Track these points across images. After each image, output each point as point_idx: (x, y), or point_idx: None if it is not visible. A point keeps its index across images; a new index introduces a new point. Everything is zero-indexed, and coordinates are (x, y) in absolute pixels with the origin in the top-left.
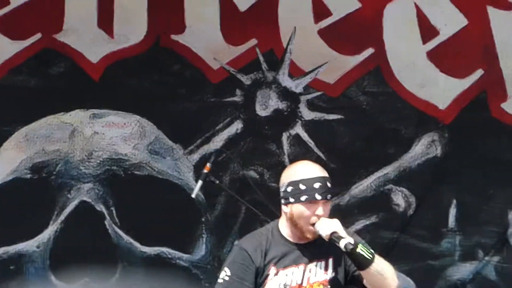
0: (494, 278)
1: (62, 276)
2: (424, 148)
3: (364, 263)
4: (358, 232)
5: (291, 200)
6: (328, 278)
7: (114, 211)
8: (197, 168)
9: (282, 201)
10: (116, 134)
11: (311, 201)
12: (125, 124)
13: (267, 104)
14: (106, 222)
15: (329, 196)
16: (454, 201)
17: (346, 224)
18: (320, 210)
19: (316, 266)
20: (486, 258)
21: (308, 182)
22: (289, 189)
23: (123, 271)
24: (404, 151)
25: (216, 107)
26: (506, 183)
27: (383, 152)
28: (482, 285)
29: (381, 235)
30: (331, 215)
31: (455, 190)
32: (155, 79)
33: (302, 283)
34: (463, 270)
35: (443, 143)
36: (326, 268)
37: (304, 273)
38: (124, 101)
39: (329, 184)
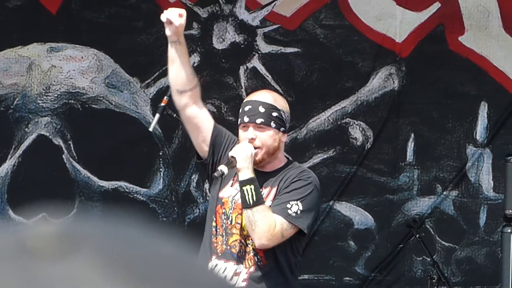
0: (452, 212)
1: (19, 210)
2: (381, 81)
3: (243, 203)
4: (316, 166)
5: (239, 122)
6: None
7: (71, 145)
8: (154, 102)
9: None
10: (74, 68)
11: (243, 124)
12: (82, 57)
13: (224, 37)
14: (63, 156)
15: (259, 120)
16: (412, 135)
17: (304, 158)
18: (249, 133)
19: (263, 192)
20: (444, 192)
21: (243, 105)
22: (240, 110)
23: (81, 205)
24: (361, 84)
25: None
26: (464, 116)
27: (340, 86)
28: (440, 219)
29: (339, 169)
30: (289, 149)
31: (413, 123)
32: (112, 12)
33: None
34: (421, 205)
35: (400, 76)
36: (266, 197)
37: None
38: (81, 35)
39: (262, 109)
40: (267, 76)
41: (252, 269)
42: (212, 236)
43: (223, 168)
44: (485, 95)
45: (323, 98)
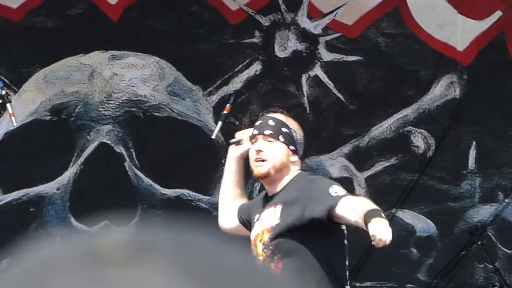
0: None
1: (81, 218)
2: (443, 89)
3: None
4: (378, 174)
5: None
6: (273, 225)
7: (133, 153)
8: (217, 110)
9: None
10: (135, 76)
11: (253, 139)
12: (144, 65)
13: (286, 46)
14: (125, 164)
15: (267, 131)
16: (474, 143)
17: (366, 166)
18: (258, 145)
19: (266, 214)
20: (506, 200)
21: (255, 123)
22: None
23: (143, 213)
24: (423, 92)
25: (235, 48)
26: None
27: (402, 94)
28: (502, 227)
29: (401, 177)
30: (352, 157)
31: (475, 131)
32: (174, 20)
33: (258, 232)
34: (483, 212)
35: (461, 84)
36: (274, 215)
37: (260, 222)
38: (143, 42)
39: (272, 123)
40: (329, 84)
41: None
42: None
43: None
44: None
45: (385, 106)
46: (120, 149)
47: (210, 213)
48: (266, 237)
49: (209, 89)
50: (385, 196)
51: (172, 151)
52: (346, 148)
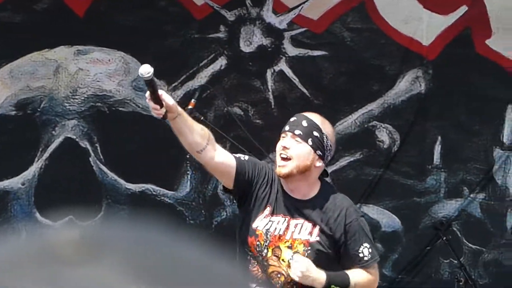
0: (479, 215)
1: (47, 213)
2: (408, 84)
3: None
4: (343, 169)
5: None
6: (310, 240)
7: (98, 148)
8: (182, 105)
9: None
10: (101, 71)
11: (283, 133)
12: (109, 60)
13: (251, 40)
14: (90, 159)
15: (297, 131)
16: (439, 138)
17: (331, 161)
18: (285, 141)
19: (302, 224)
20: (471, 195)
21: (289, 118)
22: None
23: (108, 208)
24: (388, 87)
25: (200, 43)
26: (490, 119)
27: (367, 89)
28: (467, 222)
29: (366, 171)
30: None
31: (440, 126)
32: (140, 15)
33: (284, 234)
34: (448, 207)
35: (427, 79)
36: (311, 232)
37: (288, 226)
38: (108, 37)
39: (305, 124)
40: (294, 79)
41: None
42: (250, 265)
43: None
44: None
45: (350, 101)
46: (85, 144)
47: (175, 208)
48: (301, 249)
49: (174, 84)
50: (350, 191)
51: (137, 146)
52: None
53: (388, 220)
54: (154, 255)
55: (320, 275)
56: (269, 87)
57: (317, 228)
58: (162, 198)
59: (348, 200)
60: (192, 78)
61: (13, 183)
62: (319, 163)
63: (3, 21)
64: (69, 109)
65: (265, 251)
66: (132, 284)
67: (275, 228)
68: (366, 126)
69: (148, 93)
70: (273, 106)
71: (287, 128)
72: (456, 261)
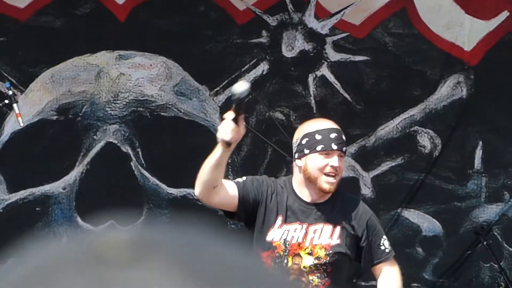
0: None
1: (87, 217)
2: (449, 89)
3: None
4: (384, 174)
5: (306, 151)
6: (331, 244)
7: (140, 152)
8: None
9: (296, 155)
10: (142, 76)
11: (327, 151)
12: (151, 65)
13: (293, 45)
14: (132, 164)
15: (344, 148)
16: (480, 143)
17: (372, 166)
18: (335, 161)
19: (321, 229)
20: None
21: (324, 132)
22: (304, 141)
23: (149, 213)
24: (429, 92)
25: (242, 48)
26: None
27: (409, 94)
28: (508, 226)
29: (407, 176)
30: (358, 156)
31: (481, 131)
32: (181, 20)
33: (303, 242)
34: (488, 212)
35: (468, 84)
36: (331, 234)
37: (307, 232)
38: (150, 42)
39: (344, 138)
40: (336, 84)
41: None
42: None
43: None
44: None
45: (391, 106)
46: (126, 148)
47: (216, 212)
48: (322, 253)
49: (216, 89)
50: (391, 195)
51: (178, 150)
52: (353, 148)
53: (429, 224)
54: (200, 260)
55: None
56: (311, 92)
57: (338, 229)
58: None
59: (353, 195)
60: (233, 83)
61: (54, 187)
62: None
63: (45, 26)
64: (110, 113)
65: (285, 261)
66: (179, 285)
67: (293, 236)
68: (407, 131)
69: (232, 112)
70: (314, 111)
71: (335, 147)
72: (496, 265)
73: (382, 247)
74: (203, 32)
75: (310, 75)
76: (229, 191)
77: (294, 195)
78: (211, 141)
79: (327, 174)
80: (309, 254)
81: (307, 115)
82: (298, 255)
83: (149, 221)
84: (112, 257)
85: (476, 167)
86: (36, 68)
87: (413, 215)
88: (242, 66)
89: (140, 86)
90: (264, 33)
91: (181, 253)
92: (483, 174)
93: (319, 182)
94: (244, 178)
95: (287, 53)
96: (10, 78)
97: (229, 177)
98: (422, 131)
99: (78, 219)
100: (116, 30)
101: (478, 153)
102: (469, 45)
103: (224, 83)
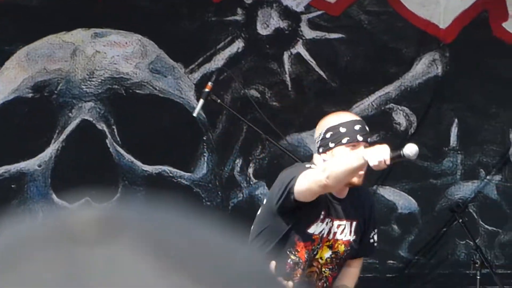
0: (495, 197)
1: (63, 194)
2: (425, 67)
3: None
4: None
5: (331, 145)
6: (351, 240)
7: (115, 130)
8: (199, 87)
9: (320, 150)
10: (118, 53)
11: (353, 142)
12: (126, 43)
13: (268, 23)
14: (107, 141)
15: (369, 139)
16: (456, 120)
17: None
18: None
19: (344, 225)
20: (488, 177)
21: (349, 124)
22: (328, 135)
23: (124, 190)
24: (405, 70)
25: (217, 26)
26: (507, 102)
27: (384, 71)
28: (484, 204)
29: None
30: None
31: (456, 109)
32: None
33: (327, 236)
34: (464, 189)
35: (443, 62)
36: (350, 230)
37: (331, 227)
38: (125, 20)
39: (367, 129)
40: (311, 62)
41: None
42: (290, 268)
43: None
44: None
45: (366, 83)
46: (102, 126)
47: (191, 189)
48: (342, 249)
49: (191, 67)
50: (367, 173)
51: (153, 128)
52: None
53: (404, 202)
54: (171, 236)
55: None
56: (286, 70)
57: (355, 224)
58: (179, 179)
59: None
60: (209, 61)
61: (30, 164)
62: None
63: (20, 4)
64: (86, 91)
65: (315, 253)
66: (148, 265)
67: (325, 231)
68: (383, 108)
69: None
70: (290, 89)
71: (360, 138)
72: (472, 243)
73: (372, 240)
74: (179, 10)
75: (285, 52)
76: None
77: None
78: (186, 119)
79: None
80: (329, 247)
81: (282, 93)
82: (328, 246)
83: (124, 198)
84: (82, 234)
85: (452, 144)
86: (12, 46)
87: (388, 193)
88: (217, 43)
89: (115, 64)
90: (239, 11)
91: (151, 231)
92: (459, 152)
93: None
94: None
95: (262, 31)
96: None
97: (204, 155)
98: (398, 108)
99: (54, 196)
100: (92, 8)
101: (454, 130)
102: (444, 22)
103: (199, 61)
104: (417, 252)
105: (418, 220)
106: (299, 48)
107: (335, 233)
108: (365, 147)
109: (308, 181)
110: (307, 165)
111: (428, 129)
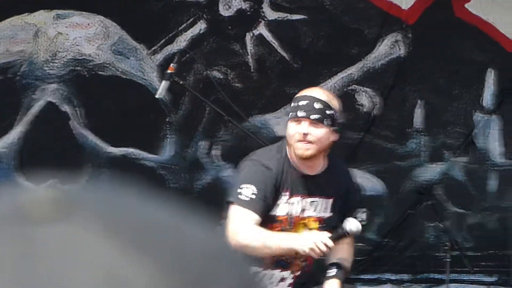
0: (461, 178)
1: (29, 177)
2: (387, 48)
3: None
4: None
5: (288, 118)
6: (324, 217)
7: (78, 112)
8: (161, 68)
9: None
10: (80, 35)
11: (295, 118)
12: (88, 24)
13: (230, 4)
14: (71, 123)
15: (314, 116)
16: (419, 101)
17: None
18: (303, 128)
19: (317, 201)
20: (452, 159)
21: (297, 99)
22: (289, 108)
23: (89, 172)
24: (367, 51)
25: (179, 7)
26: (470, 83)
27: (347, 53)
28: (450, 185)
29: (346, 135)
30: None
31: (420, 90)
32: None
33: (301, 215)
34: (430, 171)
35: (406, 43)
36: (325, 207)
37: (305, 205)
38: (87, 2)
39: (318, 106)
40: (274, 43)
41: (298, 273)
42: None
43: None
44: (492, 62)
45: (329, 65)
46: (65, 108)
47: (155, 171)
48: (315, 226)
49: (153, 48)
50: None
51: (117, 110)
52: None
53: (371, 184)
54: (124, 216)
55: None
56: (249, 51)
57: (331, 200)
58: (144, 161)
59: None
60: (171, 42)
61: None
62: (334, 137)
63: None
64: (49, 73)
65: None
66: (102, 243)
67: (295, 210)
68: (345, 90)
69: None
70: (252, 70)
71: (301, 114)
72: (441, 225)
73: (360, 220)
74: None
75: (247, 34)
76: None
77: (293, 168)
78: (148, 100)
79: (299, 141)
80: (304, 226)
81: (245, 74)
82: (305, 224)
83: (90, 180)
84: (35, 213)
85: (415, 126)
86: None
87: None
88: (180, 25)
89: (78, 45)
90: None
91: (105, 211)
92: (423, 133)
93: (294, 149)
94: (253, 195)
95: (224, 12)
96: None
97: (167, 137)
98: (360, 89)
99: (19, 178)
100: None
101: (417, 111)
102: (406, 3)
103: (161, 42)
104: (385, 235)
105: (385, 202)
106: (261, 29)
107: (307, 211)
108: (313, 123)
109: (229, 221)
110: (264, 162)
111: (391, 111)
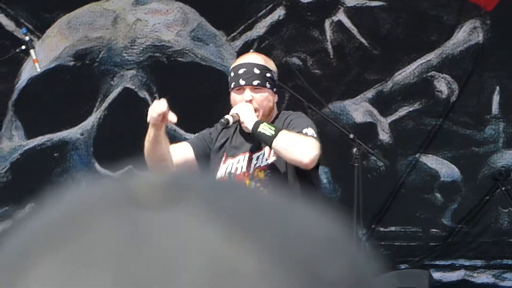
0: None
1: (105, 163)
2: (466, 34)
3: (267, 141)
4: (402, 119)
5: (229, 90)
6: (268, 163)
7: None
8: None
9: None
10: (159, 21)
11: (238, 87)
12: (167, 10)
13: None
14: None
15: (256, 82)
16: (497, 88)
17: (389, 111)
18: (246, 95)
19: (262, 153)
20: None
21: (235, 69)
22: (229, 78)
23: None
24: (446, 38)
25: None
26: None
27: (425, 39)
28: None
29: (424, 121)
30: (375, 102)
31: (498, 76)
32: None
33: (247, 170)
34: (507, 157)
35: (485, 30)
36: (269, 154)
37: (250, 160)
38: None
39: (257, 71)
40: (353, 30)
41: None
42: None
43: (228, 117)
44: None
45: (408, 51)
46: (143, 94)
47: None
48: (262, 175)
49: (232, 34)
50: (409, 141)
51: (195, 96)
52: (370, 93)
53: (447, 170)
54: (234, 203)
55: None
56: (328, 37)
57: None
58: None
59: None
60: (250, 29)
61: (72, 133)
62: (276, 98)
63: None
64: (127, 59)
65: None
66: (210, 230)
67: (237, 168)
68: (424, 76)
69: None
70: (331, 56)
71: (242, 82)
72: None
73: (304, 131)
74: None
75: (326, 20)
76: (186, 153)
77: (238, 129)
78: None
79: None
80: (251, 179)
81: (324, 60)
82: (245, 184)
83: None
84: (146, 200)
85: (494, 112)
86: (53, 14)
87: (431, 161)
88: (259, 11)
89: (156, 31)
90: None
91: (216, 198)
92: (501, 120)
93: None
94: (192, 136)
95: None
96: (26, 24)
97: None
98: (439, 76)
99: (96, 164)
100: None
101: (496, 98)
102: None
103: (240, 29)
104: (460, 221)
105: (461, 188)
106: (341, 16)
107: (254, 165)
108: (252, 90)
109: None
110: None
111: (469, 97)
